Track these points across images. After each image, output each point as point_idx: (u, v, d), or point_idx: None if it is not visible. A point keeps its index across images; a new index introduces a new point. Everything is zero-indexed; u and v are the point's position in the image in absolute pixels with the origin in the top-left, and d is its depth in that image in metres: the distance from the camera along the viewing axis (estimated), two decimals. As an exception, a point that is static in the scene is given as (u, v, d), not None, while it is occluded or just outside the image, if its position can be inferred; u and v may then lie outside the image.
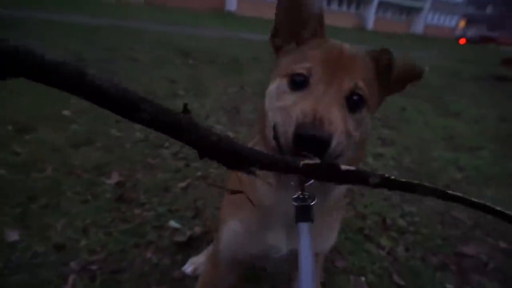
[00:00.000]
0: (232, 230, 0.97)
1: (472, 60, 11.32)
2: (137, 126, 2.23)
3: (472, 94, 6.46)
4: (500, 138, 4.07)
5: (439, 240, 2.02)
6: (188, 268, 1.53)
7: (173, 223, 1.81)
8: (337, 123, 0.68)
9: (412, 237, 2.02)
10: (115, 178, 2.13)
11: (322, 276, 1.25)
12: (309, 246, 0.66)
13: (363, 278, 1.64)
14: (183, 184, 2.18)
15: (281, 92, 0.79)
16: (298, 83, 0.76)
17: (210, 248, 1.59)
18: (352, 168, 0.57)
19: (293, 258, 0.91)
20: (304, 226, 0.68)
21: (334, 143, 0.66)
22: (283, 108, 0.75)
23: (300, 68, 0.77)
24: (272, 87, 0.83)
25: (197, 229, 1.79)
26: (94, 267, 1.47)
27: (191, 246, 1.68)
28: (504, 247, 1.97)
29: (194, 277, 1.49)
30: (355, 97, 0.75)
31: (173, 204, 1.97)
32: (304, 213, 0.71)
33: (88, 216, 1.77)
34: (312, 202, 0.74)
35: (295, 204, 0.73)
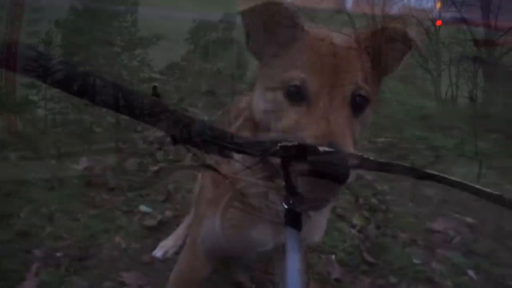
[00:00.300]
0: (214, 225, 0.93)
1: (447, 42, 11.50)
2: (110, 110, 2.18)
3: (446, 75, 6.56)
4: (472, 117, 4.16)
5: (409, 217, 2.07)
6: (158, 252, 1.51)
7: (143, 208, 1.78)
8: (352, 147, 0.65)
9: (383, 215, 2.05)
10: (83, 163, 2.07)
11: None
12: (297, 257, 0.63)
13: (333, 256, 1.66)
14: (154, 168, 2.14)
15: (278, 106, 0.72)
16: (294, 94, 0.71)
17: (179, 231, 1.57)
18: (330, 149, 0.55)
19: (277, 249, 0.90)
20: (292, 233, 0.65)
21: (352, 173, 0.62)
22: (288, 130, 0.69)
23: (294, 80, 0.70)
24: (264, 98, 0.76)
25: (168, 213, 1.77)
26: (59, 254, 1.43)
27: (161, 230, 1.66)
28: (470, 222, 2.03)
29: (164, 261, 1.48)
30: (357, 99, 0.71)
31: (143, 189, 1.94)
32: (293, 219, 0.68)
33: (54, 203, 1.72)
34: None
35: (285, 206, 0.70)
